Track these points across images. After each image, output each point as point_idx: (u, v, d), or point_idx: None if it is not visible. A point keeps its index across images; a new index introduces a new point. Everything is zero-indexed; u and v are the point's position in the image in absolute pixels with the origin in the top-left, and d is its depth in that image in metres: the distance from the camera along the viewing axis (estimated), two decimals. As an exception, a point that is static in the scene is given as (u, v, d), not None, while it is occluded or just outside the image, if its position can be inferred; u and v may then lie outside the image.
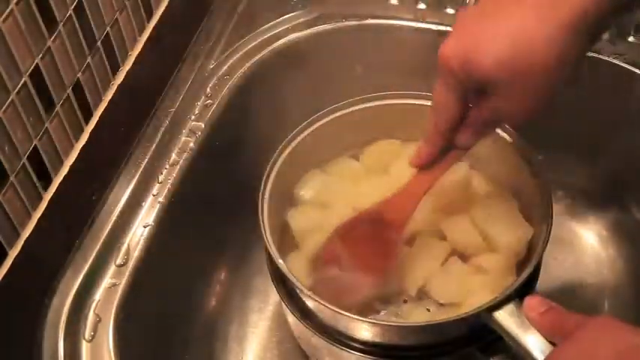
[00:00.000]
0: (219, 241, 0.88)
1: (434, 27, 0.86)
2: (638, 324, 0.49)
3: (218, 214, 0.86)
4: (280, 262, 0.64)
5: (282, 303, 0.67)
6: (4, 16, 0.59)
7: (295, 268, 0.67)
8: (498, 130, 0.69)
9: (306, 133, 0.73)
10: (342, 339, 0.65)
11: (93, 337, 0.65)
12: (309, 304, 0.65)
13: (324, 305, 0.61)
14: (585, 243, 0.88)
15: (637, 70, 0.80)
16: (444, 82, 0.57)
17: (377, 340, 0.64)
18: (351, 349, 0.64)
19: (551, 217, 0.63)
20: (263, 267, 0.88)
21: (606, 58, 0.81)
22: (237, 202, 0.89)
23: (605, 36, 0.82)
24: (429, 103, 0.69)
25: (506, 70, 0.52)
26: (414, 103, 0.73)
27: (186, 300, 0.82)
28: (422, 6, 0.88)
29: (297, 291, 0.64)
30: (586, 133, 0.78)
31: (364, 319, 0.63)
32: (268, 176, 0.69)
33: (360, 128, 0.75)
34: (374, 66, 0.81)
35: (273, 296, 0.86)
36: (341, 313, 0.61)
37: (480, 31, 0.54)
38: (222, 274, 0.87)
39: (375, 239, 0.67)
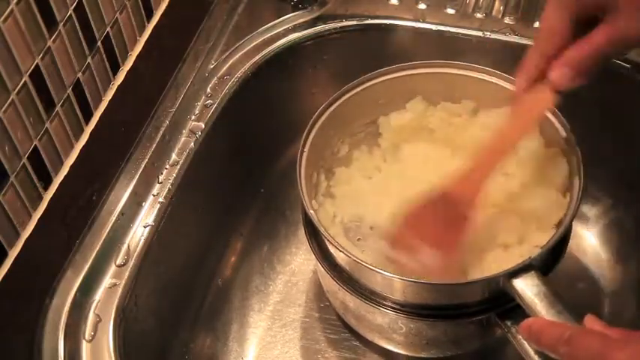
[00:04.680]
0: (219, 241, 0.88)
1: (434, 27, 0.86)
2: (637, 324, 0.48)
3: (218, 215, 0.86)
4: (312, 212, 0.65)
5: (316, 260, 0.69)
6: (4, 16, 0.59)
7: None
8: None
9: (352, 93, 0.74)
10: (365, 293, 0.66)
11: (93, 337, 0.65)
12: (336, 255, 0.66)
13: (344, 253, 0.63)
14: (585, 243, 0.88)
15: (637, 71, 0.80)
16: (557, 5, 0.60)
17: (397, 296, 0.65)
18: (374, 303, 0.66)
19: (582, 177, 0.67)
20: (263, 267, 0.89)
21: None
22: (237, 202, 0.89)
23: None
24: (472, 73, 0.73)
25: None
26: (458, 73, 0.74)
27: (186, 300, 0.82)
28: (422, 6, 0.88)
29: (326, 242, 0.65)
30: (586, 133, 0.78)
31: (388, 274, 0.62)
32: (309, 132, 0.71)
33: (403, 94, 0.76)
34: (374, 66, 0.81)
35: (273, 296, 0.86)
36: (363, 265, 0.62)
37: None
38: (222, 274, 0.87)
39: (445, 217, 0.66)
